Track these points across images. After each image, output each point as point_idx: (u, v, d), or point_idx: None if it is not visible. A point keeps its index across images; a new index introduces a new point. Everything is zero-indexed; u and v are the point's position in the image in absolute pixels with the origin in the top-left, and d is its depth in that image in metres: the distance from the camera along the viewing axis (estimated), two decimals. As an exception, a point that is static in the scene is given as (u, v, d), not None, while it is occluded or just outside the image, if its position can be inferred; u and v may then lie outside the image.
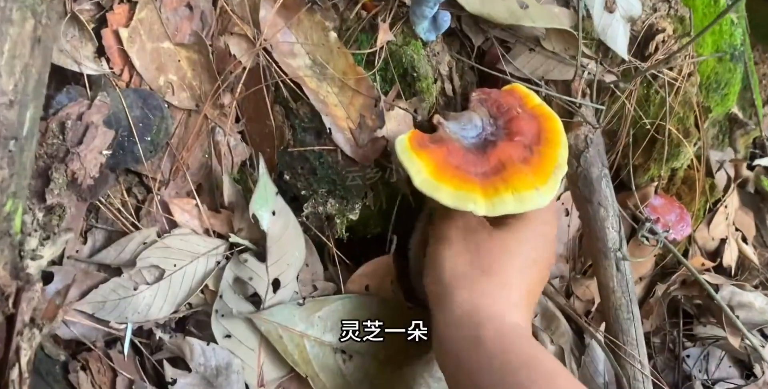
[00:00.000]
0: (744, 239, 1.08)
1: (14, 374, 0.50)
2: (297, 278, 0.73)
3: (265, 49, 0.72)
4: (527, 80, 0.83)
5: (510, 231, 0.66)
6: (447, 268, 0.64)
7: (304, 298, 0.72)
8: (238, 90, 0.73)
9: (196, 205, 0.72)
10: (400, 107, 0.73)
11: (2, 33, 0.46)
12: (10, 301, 0.47)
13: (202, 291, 0.70)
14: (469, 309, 0.61)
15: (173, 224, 0.71)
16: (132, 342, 0.66)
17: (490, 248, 0.65)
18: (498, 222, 0.67)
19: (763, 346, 0.89)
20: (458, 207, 0.61)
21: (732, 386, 0.94)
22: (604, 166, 0.83)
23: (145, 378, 0.64)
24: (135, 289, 0.67)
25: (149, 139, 0.70)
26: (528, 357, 0.59)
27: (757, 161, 1.13)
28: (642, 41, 0.89)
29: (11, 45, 0.47)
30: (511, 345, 0.59)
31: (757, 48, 1.34)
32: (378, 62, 0.74)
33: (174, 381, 0.63)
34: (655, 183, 0.99)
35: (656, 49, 0.90)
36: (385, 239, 0.79)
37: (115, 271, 0.68)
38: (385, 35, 0.73)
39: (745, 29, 1.05)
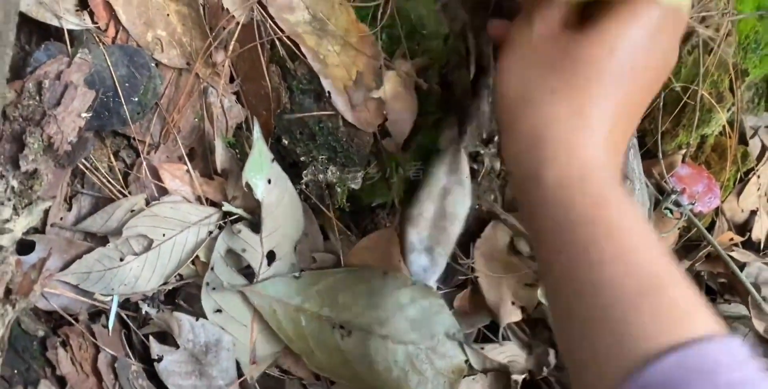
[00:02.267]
0: (776, 212, 1.02)
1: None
2: (295, 249, 0.70)
3: (260, 2, 0.66)
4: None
5: (600, 32, 0.46)
6: (511, 87, 0.49)
7: (302, 270, 0.69)
8: (232, 47, 0.67)
9: (188, 171, 0.68)
10: (402, 69, 0.67)
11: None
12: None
13: (192, 263, 0.67)
14: (532, 141, 0.47)
15: (163, 191, 0.67)
16: (118, 315, 0.63)
17: (569, 57, 0.47)
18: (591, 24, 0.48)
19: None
20: None
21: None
22: (633, 135, 0.77)
23: (131, 353, 0.61)
24: (122, 259, 0.64)
25: (136, 99, 0.65)
26: (595, 209, 0.44)
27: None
28: (676, -4, 0.82)
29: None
30: (577, 189, 0.45)
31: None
32: (383, 18, 0.68)
33: (160, 359, 0.60)
34: (683, 151, 0.92)
35: (692, 5, 0.82)
36: (390, 209, 0.75)
37: (101, 240, 0.65)
38: (392, -12, 0.67)
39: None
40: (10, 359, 0.54)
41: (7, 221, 0.54)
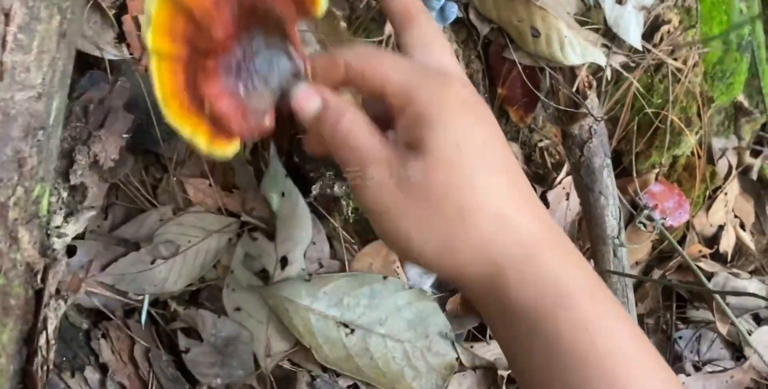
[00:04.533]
0: (742, 226, 1.11)
1: (42, 341, 0.55)
2: (304, 255, 0.78)
3: (277, 37, 0.75)
4: (531, 67, 0.86)
5: (436, 143, 0.42)
6: (421, 242, 0.43)
7: (310, 275, 0.77)
8: (252, 76, 0.76)
9: (210, 185, 0.76)
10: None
11: (32, 31, 0.49)
12: (39, 277, 0.52)
13: (214, 266, 0.75)
14: (487, 277, 0.43)
15: (188, 203, 0.75)
16: (149, 313, 0.71)
17: (434, 181, 0.42)
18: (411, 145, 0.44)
19: (749, 333, 0.93)
20: None
21: (719, 369, 0.98)
22: (606, 156, 0.85)
23: (160, 345, 0.69)
24: (152, 263, 0.72)
25: (166, 122, 0.74)
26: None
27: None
28: (648, 32, 0.91)
29: (39, 41, 0.50)
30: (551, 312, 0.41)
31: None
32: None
33: (187, 350, 0.68)
34: (656, 170, 1.01)
35: (661, 39, 0.92)
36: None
37: (134, 245, 0.73)
38: (393, 25, 0.76)
39: (760, 11, 1.05)
40: (59, 348, 0.62)
41: (59, 227, 0.62)
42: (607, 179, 0.85)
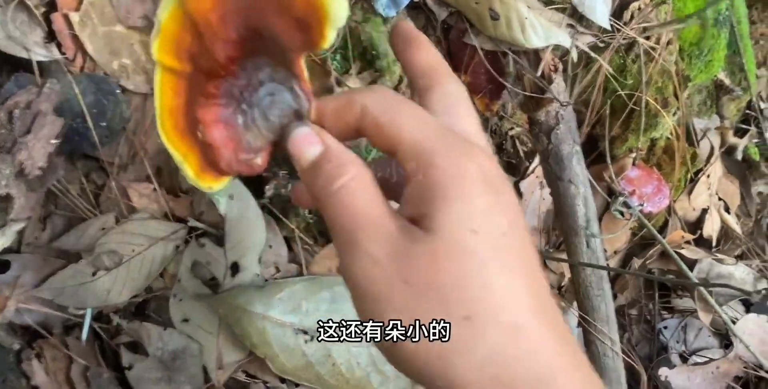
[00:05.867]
0: (727, 209, 1.07)
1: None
2: (259, 260, 0.74)
3: (217, 30, 0.70)
4: (494, 52, 0.82)
5: (447, 217, 0.34)
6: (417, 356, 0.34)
7: (266, 280, 0.73)
8: (192, 73, 0.72)
9: (155, 189, 0.72)
10: (347, 85, 0.72)
11: None
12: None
13: (161, 275, 0.71)
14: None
15: (132, 209, 0.71)
16: (92, 327, 0.67)
17: (442, 268, 0.34)
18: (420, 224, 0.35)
19: (734, 322, 0.89)
20: None
21: (705, 359, 0.94)
22: (575, 143, 0.81)
23: (104, 363, 0.65)
24: (94, 275, 0.68)
25: (104, 124, 0.69)
26: None
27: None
28: (617, 9, 0.86)
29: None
30: None
31: (756, 7, 1.29)
32: (337, 40, 0.72)
33: (131, 367, 0.65)
34: (634, 154, 0.97)
35: (632, 17, 0.87)
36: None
37: (75, 257, 0.69)
38: (342, 12, 0.71)
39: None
40: (-12, 371, 0.58)
41: (-18, 243, 0.58)
42: (577, 167, 0.81)
